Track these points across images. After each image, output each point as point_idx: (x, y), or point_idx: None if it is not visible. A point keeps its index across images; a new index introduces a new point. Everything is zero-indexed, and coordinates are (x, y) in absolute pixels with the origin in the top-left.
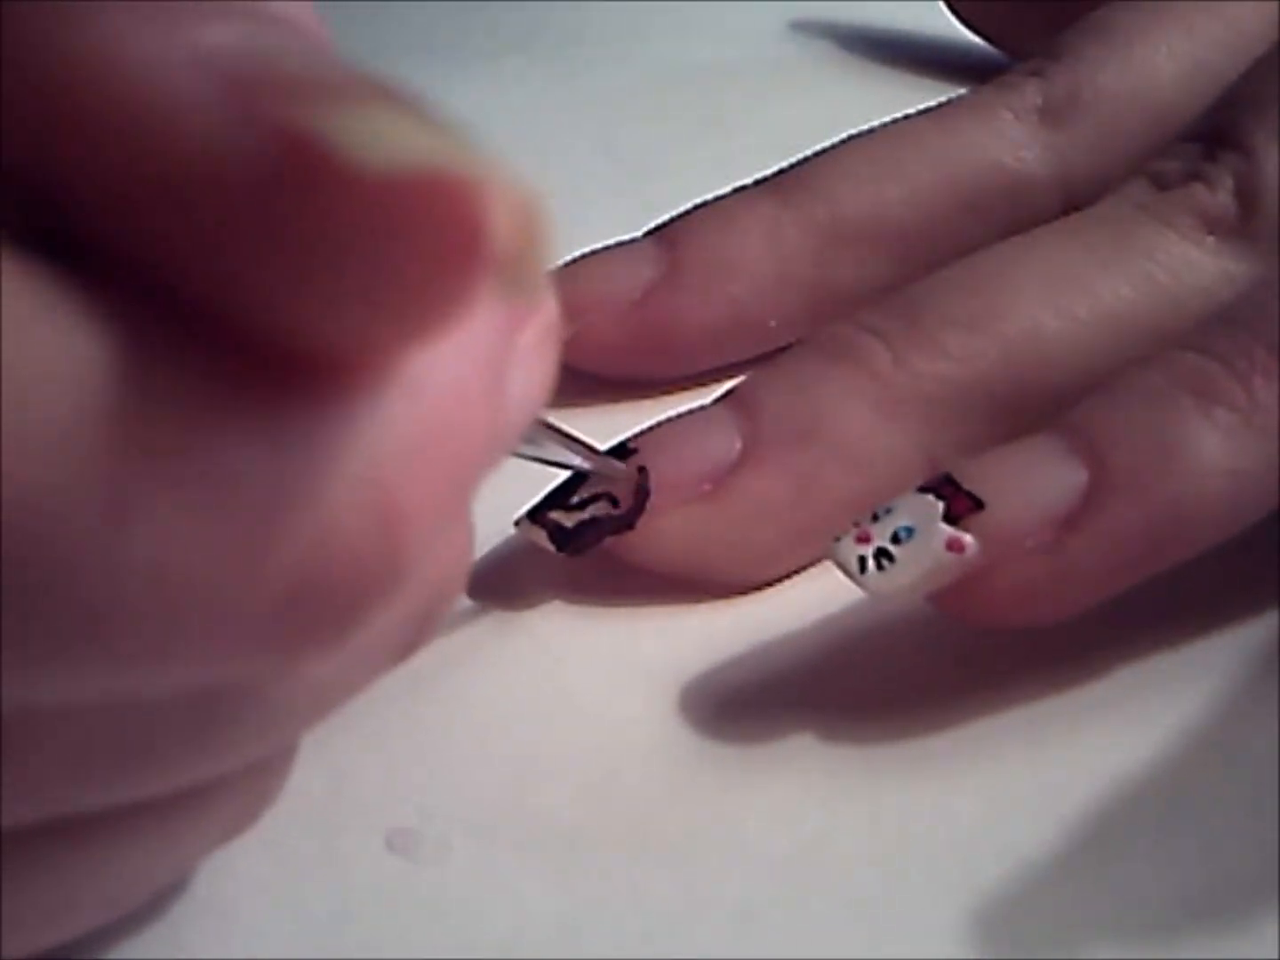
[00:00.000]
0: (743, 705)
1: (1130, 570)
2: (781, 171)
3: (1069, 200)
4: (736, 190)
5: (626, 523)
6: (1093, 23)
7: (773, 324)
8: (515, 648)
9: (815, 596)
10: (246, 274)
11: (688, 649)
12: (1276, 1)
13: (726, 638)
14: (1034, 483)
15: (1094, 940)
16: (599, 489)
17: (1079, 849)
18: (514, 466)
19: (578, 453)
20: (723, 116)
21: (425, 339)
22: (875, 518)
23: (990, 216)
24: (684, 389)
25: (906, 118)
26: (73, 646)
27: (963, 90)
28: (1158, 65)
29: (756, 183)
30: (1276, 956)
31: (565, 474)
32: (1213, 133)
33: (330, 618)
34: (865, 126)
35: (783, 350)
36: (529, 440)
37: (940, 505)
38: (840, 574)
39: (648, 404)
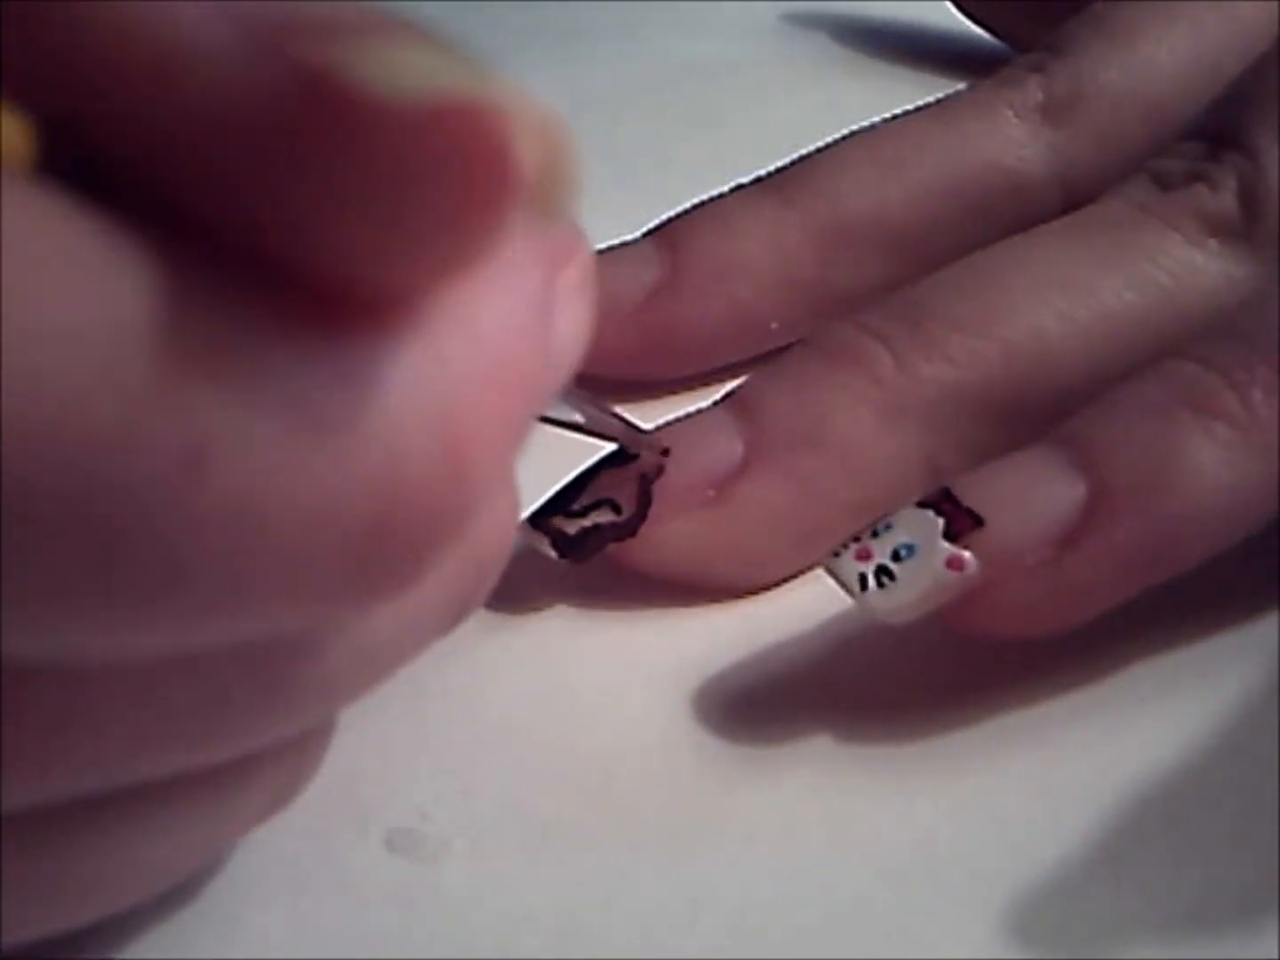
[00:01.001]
0: (744, 707)
1: (1129, 584)
2: (782, 170)
3: (1070, 198)
4: (736, 189)
5: (629, 530)
6: (1095, 17)
7: (774, 325)
8: (517, 650)
9: (817, 599)
10: (282, 212)
11: (689, 652)
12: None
13: (728, 640)
14: (1034, 499)
15: (1099, 940)
16: (601, 495)
17: (1083, 851)
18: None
19: (605, 420)
20: (722, 113)
21: (464, 268)
22: (875, 533)
23: (991, 215)
24: (685, 390)
25: (908, 115)
26: (155, 596)
27: (963, 84)
28: (1160, 62)
29: (756, 181)
30: (1277, 957)
31: (566, 479)
32: (1215, 132)
33: (405, 553)
34: (865, 121)
35: (784, 350)
36: (564, 403)
37: (940, 522)
38: (840, 591)
39: (649, 405)
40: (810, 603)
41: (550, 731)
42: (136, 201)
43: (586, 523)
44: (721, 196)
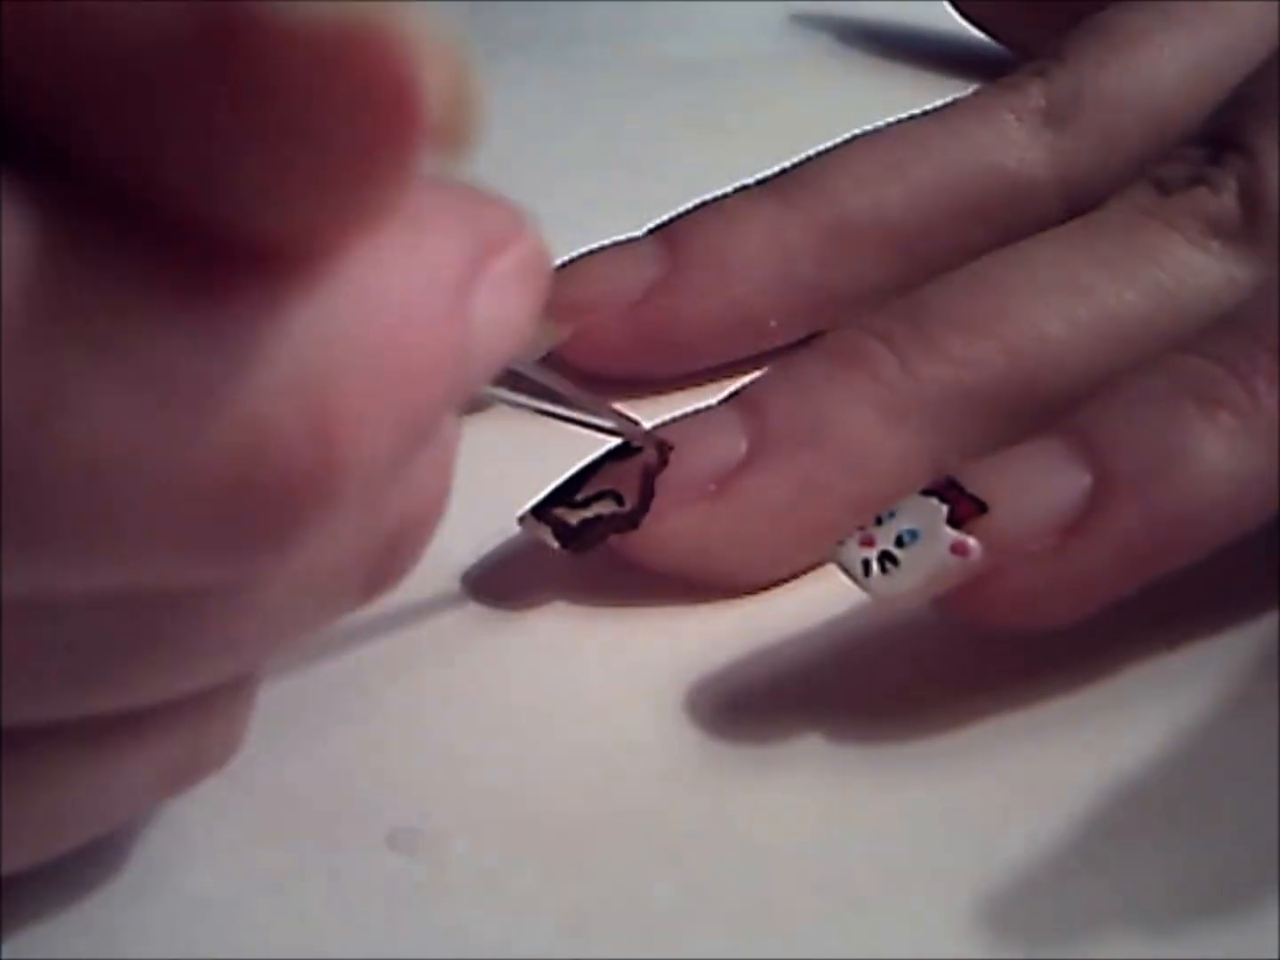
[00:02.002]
0: (745, 705)
1: (1133, 574)
2: (784, 171)
3: (1071, 202)
4: (739, 189)
5: (631, 521)
6: (1096, 24)
7: (773, 323)
8: (517, 647)
9: (819, 597)
10: (175, 150)
11: (690, 649)
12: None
13: (729, 638)
14: (1038, 487)
15: (1097, 940)
16: (604, 486)
17: (1082, 849)
18: (515, 467)
19: (604, 414)
20: (723, 115)
21: (368, 219)
22: (879, 521)
23: (992, 218)
24: (685, 387)
25: (910, 118)
26: (4, 541)
27: (966, 86)
28: (1161, 68)
29: (759, 182)
30: (1277, 956)
31: (569, 471)
32: (1216, 136)
33: (267, 519)
34: (867, 123)
35: (788, 351)
36: (554, 397)
37: (944, 509)
38: (844, 577)
39: (650, 402)
40: (810, 601)
41: (551, 730)
42: (20, 143)
43: (589, 514)
44: (723, 196)
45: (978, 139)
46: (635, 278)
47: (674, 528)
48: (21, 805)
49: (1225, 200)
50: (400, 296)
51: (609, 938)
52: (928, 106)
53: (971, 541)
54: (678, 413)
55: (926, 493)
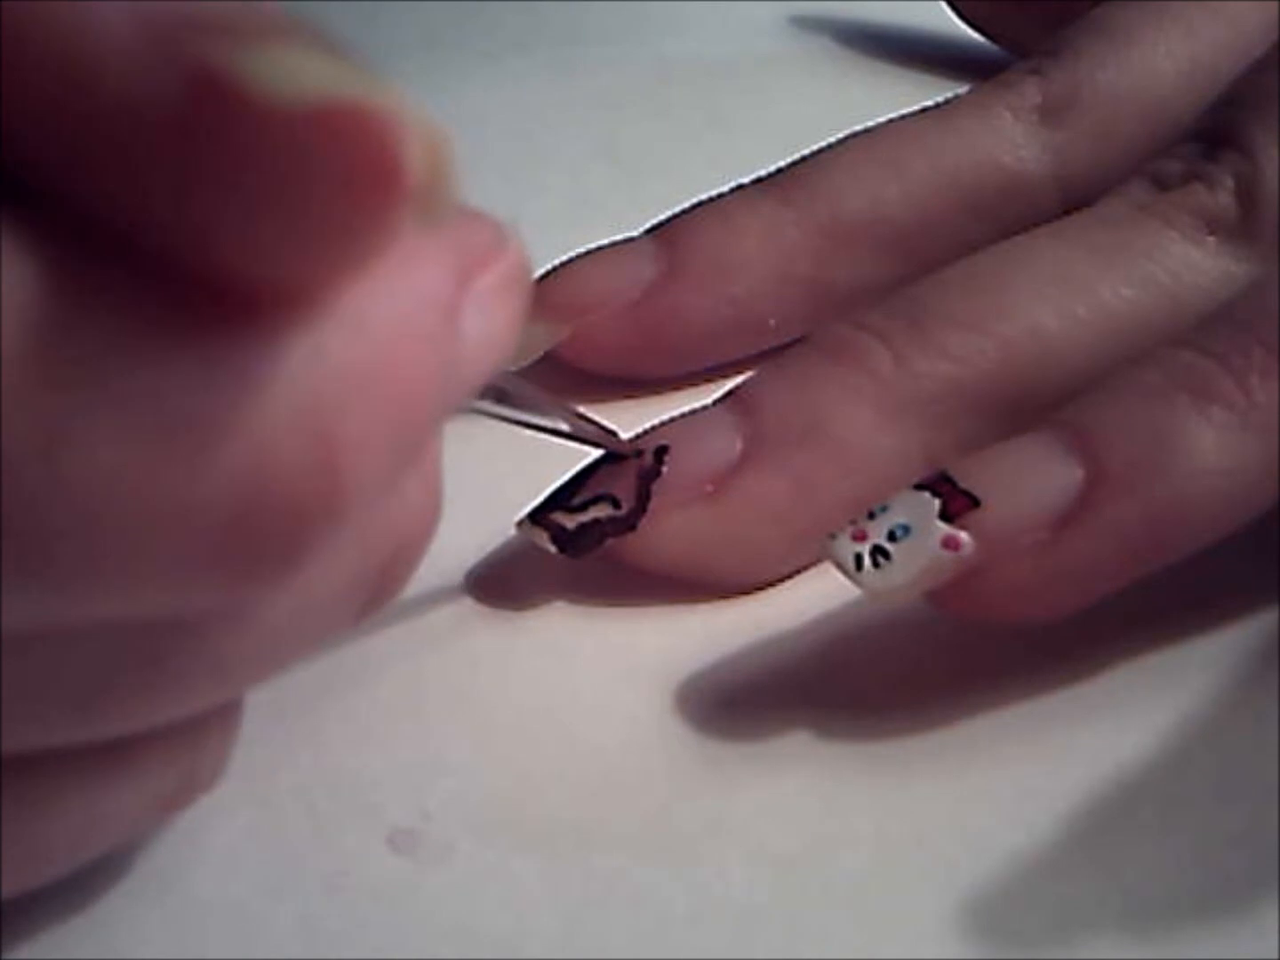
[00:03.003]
0: (743, 704)
1: (1126, 568)
2: (781, 170)
3: (1067, 199)
4: (736, 189)
5: (628, 524)
6: (1093, 21)
7: (772, 323)
8: (517, 648)
9: (815, 596)
10: (171, 208)
11: (688, 649)
12: (1276, 1)
13: (727, 637)
14: (1030, 480)
15: (1094, 939)
16: (601, 490)
17: (1080, 847)
18: (515, 467)
19: (579, 426)
20: (722, 114)
21: (351, 270)
22: (871, 515)
23: (989, 216)
24: (683, 387)
25: (907, 116)
26: (13, 576)
27: (963, 85)
28: (1157, 64)
29: (756, 181)
30: (1277, 956)
31: (566, 476)
32: (1213, 132)
33: (271, 547)
34: (865, 123)
35: (783, 349)
36: (540, 410)
37: (936, 503)
38: (837, 572)
39: (648, 402)
40: (808, 600)
41: (551, 730)
42: (20, 191)
43: (585, 517)
44: (721, 196)
45: (975, 136)
46: (634, 278)
47: (670, 529)
48: (14, 831)
49: (1221, 197)
50: (391, 320)
51: (609, 938)
52: (926, 106)
53: (963, 536)
54: (675, 412)
55: (919, 487)
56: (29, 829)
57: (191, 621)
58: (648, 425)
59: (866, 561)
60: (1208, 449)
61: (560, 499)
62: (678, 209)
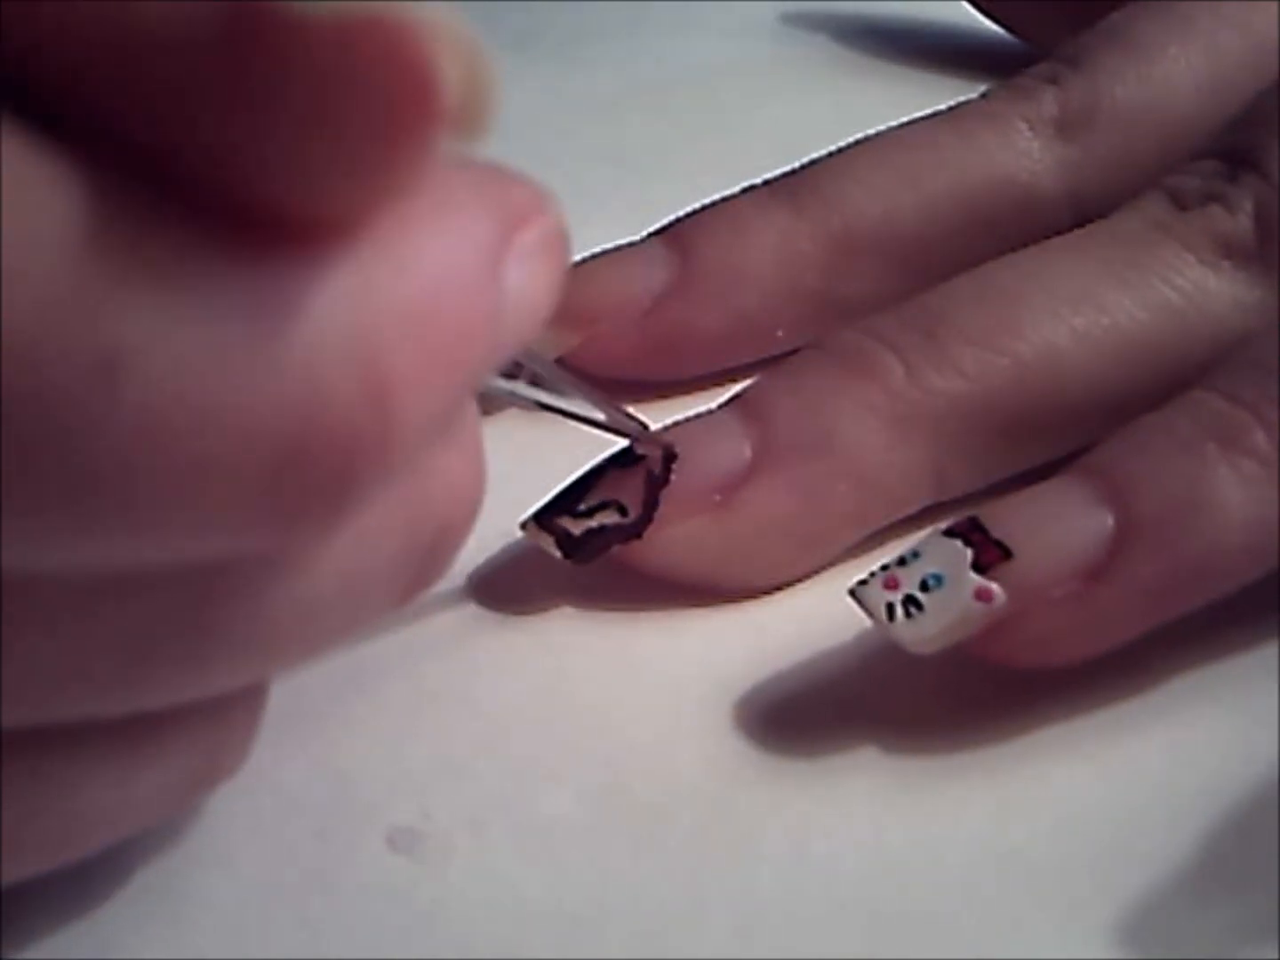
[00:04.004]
0: (744, 709)
1: (1153, 615)
2: (793, 174)
3: (1080, 214)
4: (747, 190)
5: (634, 532)
6: (1115, 28)
7: (780, 333)
8: (520, 650)
9: (821, 602)
10: (213, 131)
11: (691, 653)
12: None
13: (731, 643)
14: (1062, 532)
15: (1098, 944)
16: (607, 496)
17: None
18: (518, 468)
19: (613, 415)
20: (724, 115)
21: (394, 194)
22: (903, 561)
23: (1001, 229)
24: (692, 391)
25: (919, 122)
26: (70, 505)
27: (964, 86)
28: (1176, 79)
29: (767, 183)
30: (1277, 957)
31: (571, 476)
32: (1233, 151)
33: (322, 483)
34: (866, 123)
35: (792, 353)
36: (562, 393)
37: (968, 553)
38: (864, 617)
39: (655, 405)
40: (814, 606)
41: (552, 731)
42: (70, 124)
43: (592, 524)
44: (732, 198)
45: (990, 149)
46: (645, 286)
47: (677, 538)
48: (40, 809)
49: (1240, 220)
50: (440, 261)
51: (609, 938)
52: (928, 106)
53: (996, 588)
54: (681, 415)
55: (950, 534)
56: (52, 805)
57: (238, 581)
58: (655, 428)
59: (899, 612)
60: (1237, 501)
61: (566, 502)
62: (678, 209)
